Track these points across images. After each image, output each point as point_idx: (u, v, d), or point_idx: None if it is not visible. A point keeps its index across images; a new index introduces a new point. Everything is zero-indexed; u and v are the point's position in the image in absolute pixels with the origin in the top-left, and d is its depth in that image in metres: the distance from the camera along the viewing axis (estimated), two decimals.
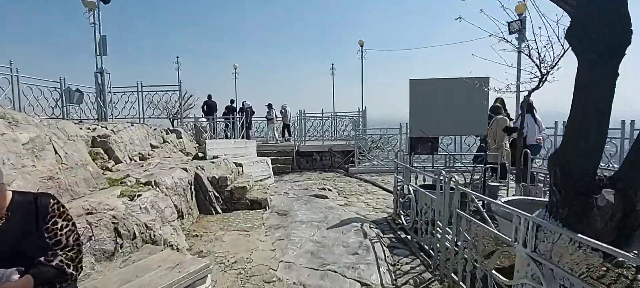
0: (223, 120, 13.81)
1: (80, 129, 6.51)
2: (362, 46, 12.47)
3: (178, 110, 9.83)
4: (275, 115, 13.47)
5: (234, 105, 14.86)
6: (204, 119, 12.73)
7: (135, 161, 6.67)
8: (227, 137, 12.86)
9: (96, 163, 5.88)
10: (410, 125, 5.34)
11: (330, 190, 6.90)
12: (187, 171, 5.31)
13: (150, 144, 7.65)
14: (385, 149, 9.90)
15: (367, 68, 12.75)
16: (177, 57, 14.73)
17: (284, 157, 11.66)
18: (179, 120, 12.81)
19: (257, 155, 10.08)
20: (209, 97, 14.30)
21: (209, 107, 13.89)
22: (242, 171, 7.31)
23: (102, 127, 6.79)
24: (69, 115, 8.53)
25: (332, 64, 15.03)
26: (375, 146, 10.56)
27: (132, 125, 7.46)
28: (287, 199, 6.28)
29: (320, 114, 11.83)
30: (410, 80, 5.18)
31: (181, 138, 8.70)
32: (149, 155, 7.10)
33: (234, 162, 7.42)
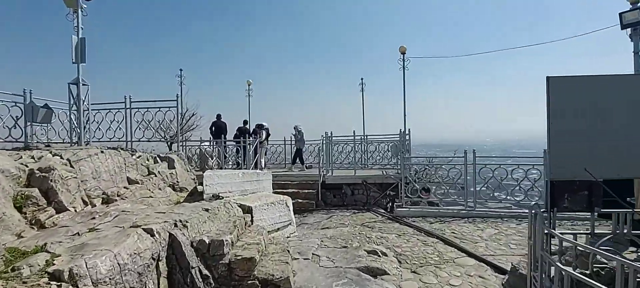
0: (234, 144, 11.73)
1: (20, 157, 4.46)
2: (404, 54, 10.36)
3: (177, 131, 7.73)
4: (265, 137, 11.26)
5: (248, 126, 12.82)
6: (207, 144, 10.69)
7: (94, 205, 4.52)
8: (238, 166, 10.71)
9: (24, 214, 3.77)
10: (549, 157, 2.98)
11: (384, 254, 4.49)
12: (153, 235, 3.07)
13: (128, 178, 5.52)
14: (444, 184, 7.43)
15: (407, 82, 10.51)
16: (181, 70, 12.99)
17: (305, 191, 9.34)
18: (180, 143, 10.81)
19: (273, 189, 7.84)
20: (218, 117, 12.32)
21: (218, 129, 11.86)
22: (252, 219, 5.03)
23: (55, 154, 4.73)
24: (32, 137, 6.59)
25: (362, 79, 12.99)
26: (428, 179, 8.11)
27: (103, 152, 5.37)
28: (321, 275, 3.91)
29: (352, 137, 9.57)
30: (548, 77, 2.89)
31: (174, 167, 6.56)
32: (119, 195, 4.94)
33: (240, 205, 5.17)
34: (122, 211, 4.10)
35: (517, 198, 6.88)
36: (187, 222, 3.59)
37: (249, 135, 11.56)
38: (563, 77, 2.96)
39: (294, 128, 11.73)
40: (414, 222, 6.49)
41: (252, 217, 5.03)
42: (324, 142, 9.83)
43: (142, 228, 3.10)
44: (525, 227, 5.86)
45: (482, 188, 7.07)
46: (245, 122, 12.82)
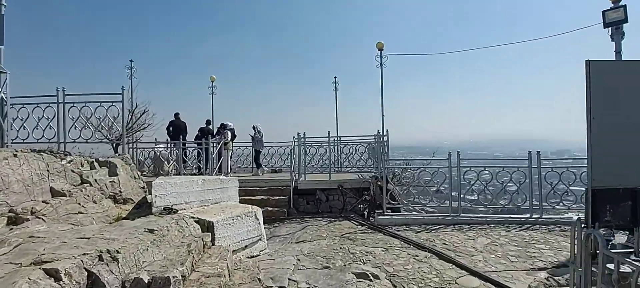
0: (195, 146, 10.54)
1: None
2: (381, 50, 9.80)
3: (122, 130, 6.55)
4: (230, 138, 10.24)
5: (211, 127, 11.65)
6: (162, 146, 9.46)
7: None
8: (199, 171, 9.57)
9: None
10: (590, 159, 2.40)
11: (375, 276, 3.77)
12: (59, 279, 2.09)
13: (51, 189, 4.37)
14: (428, 187, 6.90)
15: (386, 82, 9.98)
16: (131, 61, 11.46)
17: (276, 197, 8.46)
18: (128, 145, 9.45)
19: (239, 198, 6.92)
20: (177, 116, 11.06)
21: (176, 129, 10.62)
22: (213, 239, 4.10)
23: None
24: None
25: (335, 78, 12.30)
26: (407, 182, 7.57)
27: (15, 156, 4.19)
28: None
29: (326, 138, 8.83)
30: (588, 62, 2.32)
31: (117, 174, 5.43)
32: (34, 212, 3.80)
33: (199, 220, 4.21)
34: (30, 237, 3.01)
35: (503, 203, 6.53)
36: (119, 251, 2.62)
37: (212, 136, 10.45)
38: (608, 61, 2.43)
39: (253, 128, 10.74)
40: (398, 231, 5.87)
41: (213, 235, 4.10)
42: (296, 144, 9.01)
43: (44, 269, 2.11)
44: (516, 234, 5.44)
45: (467, 193, 6.63)
46: (208, 122, 11.63)
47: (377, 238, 5.44)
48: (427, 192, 6.91)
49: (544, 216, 6.18)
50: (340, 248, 5.01)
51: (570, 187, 6.26)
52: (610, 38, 6.30)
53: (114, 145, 8.50)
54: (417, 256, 4.47)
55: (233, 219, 4.51)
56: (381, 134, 8.56)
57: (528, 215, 6.23)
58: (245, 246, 4.71)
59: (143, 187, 5.96)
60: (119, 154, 6.13)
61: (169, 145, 10.31)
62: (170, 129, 10.86)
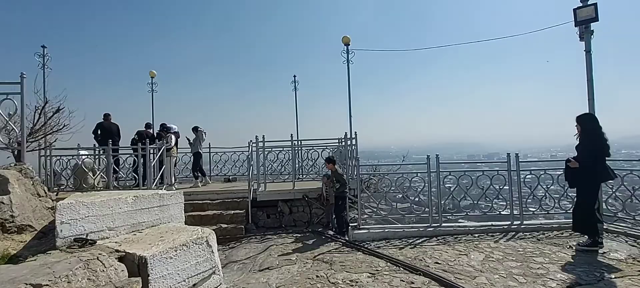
0: (130, 152, 8.85)
1: None
2: (347, 45, 9.06)
3: (22, 132, 4.97)
4: (174, 142, 8.84)
5: (152, 130, 10.00)
6: (86, 153, 7.71)
7: None
8: (136, 183, 7.96)
9: None
10: None
11: None
12: None
13: None
14: (406, 195, 6.23)
15: (346, 81, 9.25)
16: (43, 47, 9.23)
17: (231, 212, 7.24)
18: (42, 152, 7.55)
19: (185, 217, 5.68)
20: (106, 117, 9.28)
21: (106, 133, 8.86)
22: (147, 281, 2.90)
23: None
24: None
25: (295, 77, 11.31)
26: (382, 190, 6.86)
27: None
28: None
29: (289, 142, 7.81)
30: None
31: (8, 192, 3.94)
32: None
33: (125, 256, 2.99)
34: None
35: (484, 210, 6.11)
36: None
37: (151, 140, 8.86)
38: None
39: (194, 130, 9.37)
40: (379, 248, 5.09)
41: (146, 277, 2.90)
42: (253, 149, 7.89)
43: None
44: (507, 245, 4.95)
45: (447, 200, 6.10)
46: (147, 126, 9.96)
47: (358, 260, 4.59)
48: (404, 201, 6.25)
49: (525, 222, 5.84)
50: (317, 276, 4.06)
51: (548, 191, 6.03)
52: (579, 38, 6.25)
53: (16, 152, 6.62)
54: (412, 283, 3.68)
55: (176, 250, 3.33)
56: (349, 136, 7.81)
57: (509, 222, 5.85)
58: (194, 284, 3.55)
59: (51, 208, 4.47)
60: (13, 165, 4.53)
61: (95, 152, 8.53)
62: (98, 132, 9.05)
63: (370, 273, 4.05)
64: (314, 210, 7.63)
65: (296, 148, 8.17)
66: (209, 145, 10.34)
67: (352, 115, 8.63)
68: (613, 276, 3.66)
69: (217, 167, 10.49)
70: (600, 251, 4.40)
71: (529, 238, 5.27)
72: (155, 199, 4.20)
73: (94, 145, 8.97)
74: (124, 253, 3.08)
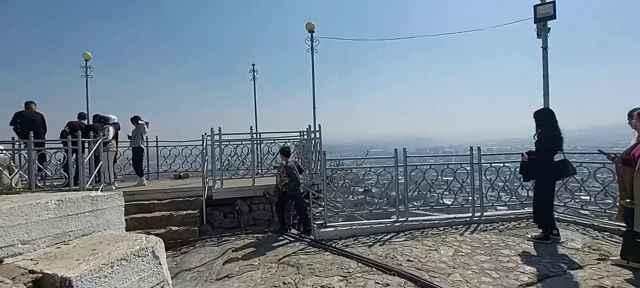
0: (59, 146, 7.63)
1: None
2: (312, 32, 8.60)
3: None
4: (112, 135, 7.81)
5: (85, 121, 8.74)
6: (1, 147, 6.45)
7: None
8: (66, 183, 6.84)
9: None
10: None
11: None
12: None
13: None
14: (376, 192, 6.03)
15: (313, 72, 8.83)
16: None
17: (183, 212, 6.54)
18: None
19: (128, 220, 5.00)
20: (28, 105, 7.91)
21: (27, 123, 7.53)
22: None
23: None
24: None
25: (253, 66, 10.60)
26: (347, 186, 6.61)
27: None
28: None
29: (248, 135, 7.22)
30: None
31: None
32: None
33: (43, 276, 2.34)
34: None
35: (447, 202, 6.13)
36: None
37: (86, 133, 7.73)
38: None
39: (134, 120, 8.33)
40: (347, 246, 4.82)
41: None
42: (208, 142, 7.19)
43: None
44: (472, 237, 4.96)
45: (414, 194, 6.03)
46: (81, 116, 8.67)
47: (327, 261, 4.26)
48: (371, 196, 6.06)
49: (485, 214, 5.96)
50: (284, 283, 3.66)
51: (506, 183, 6.22)
52: (536, 35, 6.50)
53: None
54: (388, 285, 3.44)
55: (113, 266, 2.72)
56: (313, 129, 7.44)
57: (471, 214, 5.93)
58: None
59: None
60: None
61: (14, 146, 7.21)
62: (18, 122, 7.68)
63: (341, 276, 3.74)
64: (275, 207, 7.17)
65: (256, 141, 7.61)
66: (157, 138, 9.34)
67: (316, 108, 8.26)
68: (575, 266, 3.74)
69: (167, 162, 9.52)
70: (559, 241, 4.55)
71: (490, 229, 5.35)
72: (86, 203, 3.49)
73: (13, 138, 7.59)
74: (41, 275, 2.42)
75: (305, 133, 7.80)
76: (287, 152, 6.37)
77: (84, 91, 9.02)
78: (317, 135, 7.31)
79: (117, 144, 7.81)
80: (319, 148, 7.32)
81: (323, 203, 5.73)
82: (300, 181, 6.19)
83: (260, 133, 8.06)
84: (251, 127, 7.07)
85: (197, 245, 5.84)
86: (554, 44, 6.58)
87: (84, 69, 8.98)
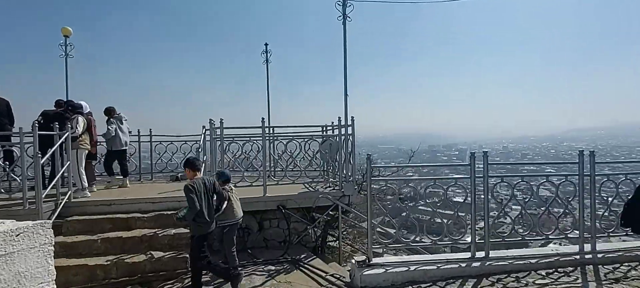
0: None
1: None
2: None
3: None
4: (82, 128, 6.09)
5: (63, 110, 7.16)
6: None
7: None
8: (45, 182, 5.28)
9: None
10: None
11: None
12: None
13: None
14: (439, 212, 4.16)
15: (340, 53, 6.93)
16: None
17: (170, 231, 4.87)
18: None
19: (96, 242, 3.41)
20: None
21: None
22: None
23: None
24: None
25: (266, 45, 8.80)
26: (405, 203, 4.77)
27: None
28: None
29: (259, 129, 5.47)
30: None
31: None
32: None
33: None
34: None
35: (546, 232, 4.25)
36: None
37: (63, 123, 6.20)
38: None
39: (108, 112, 6.72)
40: None
41: None
42: (207, 137, 5.52)
43: None
44: None
45: (495, 217, 4.17)
46: (59, 104, 7.09)
47: None
48: (432, 220, 4.23)
49: (598, 248, 4.07)
50: None
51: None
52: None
53: None
54: None
55: None
56: (343, 123, 5.65)
57: (577, 249, 4.05)
58: None
59: None
60: None
61: None
62: None
63: None
64: (294, 224, 5.46)
65: (269, 138, 5.83)
66: (150, 132, 7.73)
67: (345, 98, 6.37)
68: None
69: (162, 162, 7.93)
70: None
71: (611, 276, 3.49)
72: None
73: None
74: None
75: (330, 127, 6.02)
76: (192, 165, 3.83)
77: (64, 74, 7.44)
78: (349, 131, 5.52)
79: (91, 140, 6.21)
80: (350, 148, 5.54)
81: (367, 230, 3.95)
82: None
83: (273, 127, 6.28)
84: (263, 119, 5.33)
85: (186, 281, 4.19)
86: None
87: (63, 48, 7.43)
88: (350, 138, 5.56)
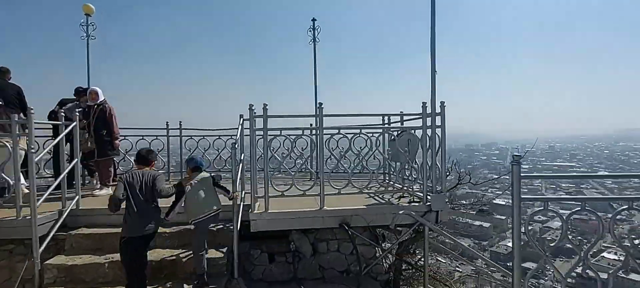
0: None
1: None
2: None
3: None
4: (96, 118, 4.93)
5: (83, 100, 6.19)
6: None
7: None
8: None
9: None
10: None
11: None
12: None
13: None
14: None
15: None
16: None
17: (176, 262, 3.59)
18: None
19: (103, 266, 2.09)
20: (1, 72, 5.51)
21: None
22: None
23: None
24: None
25: (314, 21, 7.30)
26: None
27: None
28: None
29: (312, 117, 4.02)
30: None
31: None
32: None
33: None
34: None
35: None
36: None
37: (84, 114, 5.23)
38: None
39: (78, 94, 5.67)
40: None
41: None
42: (245, 127, 4.23)
43: None
44: None
45: None
46: (78, 92, 6.13)
47: None
48: None
49: None
50: None
51: None
52: None
53: None
54: None
55: None
56: (429, 111, 4.09)
57: None
58: None
59: None
60: None
61: None
62: None
63: None
64: (360, 247, 4.00)
65: (322, 131, 4.34)
66: (180, 124, 6.61)
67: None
68: None
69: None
70: None
71: None
72: None
73: None
74: None
75: (408, 118, 4.49)
76: (140, 158, 3.41)
77: (84, 54, 6.46)
78: (437, 122, 3.97)
79: (96, 134, 5.13)
80: (437, 145, 3.99)
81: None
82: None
83: (334, 115, 4.67)
84: (320, 104, 3.90)
85: None
86: None
87: (84, 28, 6.47)
88: (439, 132, 4.00)
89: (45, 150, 4.21)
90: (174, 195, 3.31)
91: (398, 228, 4.03)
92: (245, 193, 4.28)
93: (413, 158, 4.21)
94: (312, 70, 7.09)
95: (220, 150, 6.95)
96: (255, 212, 3.86)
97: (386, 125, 4.61)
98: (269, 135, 4.03)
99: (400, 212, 3.66)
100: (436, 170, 3.97)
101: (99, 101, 5.39)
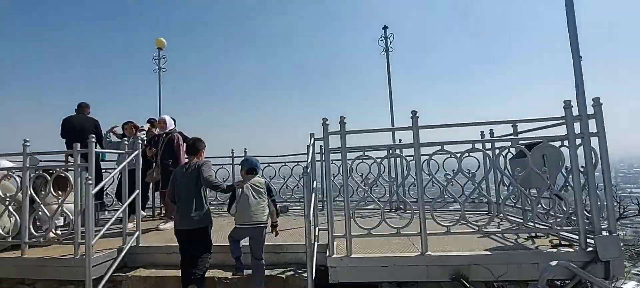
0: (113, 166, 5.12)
1: None
2: None
3: None
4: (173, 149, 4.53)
5: (156, 131, 6.15)
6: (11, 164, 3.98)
7: None
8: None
9: None
10: None
11: None
12: None
13: None
14: None
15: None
16: None
17: None
18: None
19: None
20: (80, 109, 5.67)
21: (71, 133, 5.27)
22: None
23: None
24: None
25: (385, 29, 6.42)
26: None
27: None
28: None
29: (408, 130, 3.09)
30: None
31: None
32: None
33: None
34: None
35: None
36: None
37: (155, 144, 5.11)
38: None
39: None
40: None
41: None
42: (316, 148, 3.46)
43: None
44: None
45: None
46: (151, 123, 6.12)
47: None
48: None
49: None
50: None
51: None
52: None
53: None
54: None
55: None
56: (577, 113, 2.87)
57: None
58: None
59: None
60: None
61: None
62: (64, 132, 5.50)
63: None
64: None
65: (419, 148, 3.27)
66: (232, 153, 6.18)
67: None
68: None
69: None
70: None
71: None
72: None
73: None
74: None
75: (537, 124, 3.29)
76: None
77: (156, 86, 6.55)
78: (592, 128, 2.73)
79: (156, 163, 4.84)
80: (596, 163, 2.72)
81: None
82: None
83: (424, 127, 3.59)
84: (415, 111, 2.94)
85: None
86: None
87: (157, 61, 6.61)
88: (595, 142, 2.74)
89: (106, 180, 3.95)
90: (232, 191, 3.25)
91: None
92: (319, 229, 3.45)
93: (554, 181, 2.96)
94: (387, 82, 6.18)
95: (286, 179, 6.32)
96: (334, 256, 2.96)
97: (512, 137, 3.42)
98: (349, 156, 3.18)
99: (553, 263, 2.42)
100: (597, 199, 2.67)
101: (167, 130, 5.17)
